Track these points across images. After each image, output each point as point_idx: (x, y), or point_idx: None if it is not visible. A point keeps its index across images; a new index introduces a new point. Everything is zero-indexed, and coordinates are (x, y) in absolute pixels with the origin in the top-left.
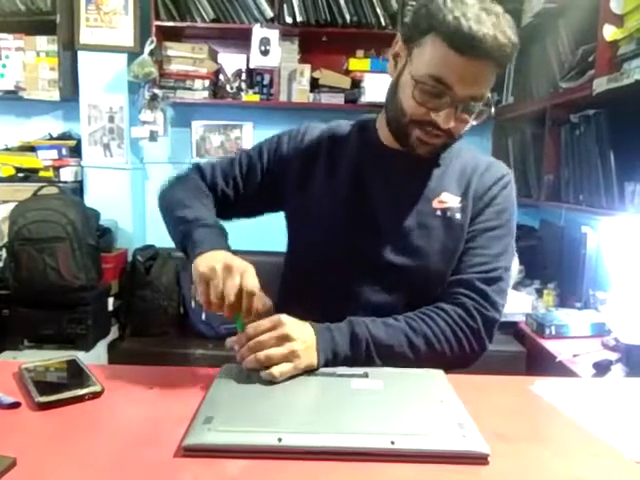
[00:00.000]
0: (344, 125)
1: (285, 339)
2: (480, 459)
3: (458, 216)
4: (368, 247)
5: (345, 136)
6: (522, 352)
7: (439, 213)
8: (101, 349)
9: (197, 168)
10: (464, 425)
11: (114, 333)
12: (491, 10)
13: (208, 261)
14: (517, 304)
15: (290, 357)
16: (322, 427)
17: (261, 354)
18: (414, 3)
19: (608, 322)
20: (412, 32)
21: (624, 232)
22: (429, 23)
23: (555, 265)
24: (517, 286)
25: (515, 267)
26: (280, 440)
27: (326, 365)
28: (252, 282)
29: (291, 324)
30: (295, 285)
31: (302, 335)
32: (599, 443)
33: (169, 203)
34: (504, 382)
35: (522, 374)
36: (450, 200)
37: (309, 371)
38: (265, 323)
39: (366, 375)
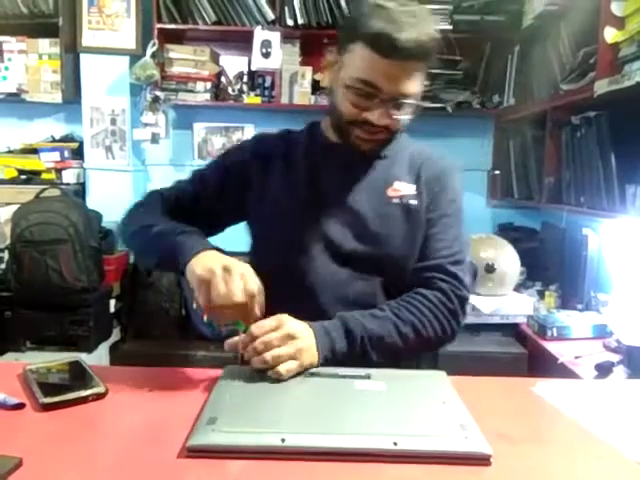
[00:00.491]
0: (296, 130)
1: (290, 338)
2: (482, 460)
3: (414, 202)
4: (331, 241)
5: (297, 138)
6: (524, 354)
7: (396, 201)
8: (103, 351)
9: (153, 193)
10: (466, 426)
11: (116, 335)
12: (409, 11)
13: (205, 263)
14: (518, 306)
15: (296, 355)
16: (325, 428)
17: (268, 355)
18: None
19: (610, 324)
20: (342, 42)
21: (625, 234)
22: (354, 31)
23: (556, 267)
24: (518, 288)
25: (516, 268)
26: (283, 441)
27: (325, 363)
28: (253, 283)
29: (293, 323)
30: (264, 285)
31: (305, 333)
32: (601, 444)
33: (136, 228)
34: (506, 383)
35: (524, 376)
36: (404, 188)
37: (311, 372)
38: (269, 322)
39: (368, 376)
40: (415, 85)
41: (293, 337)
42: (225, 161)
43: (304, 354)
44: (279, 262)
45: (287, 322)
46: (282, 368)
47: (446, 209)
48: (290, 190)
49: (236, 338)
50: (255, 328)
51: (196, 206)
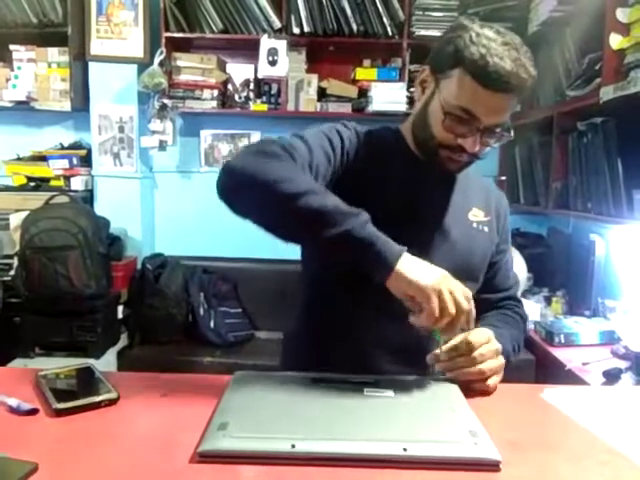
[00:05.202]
0: (382, 133)
1: (497, 353)
2: (492, 466)
3: (486, 229)
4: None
5: (387, 148)
6: (531, 360)
7: (475, 225)
8: (110, 357)
9: (283, 148)
10: (476, 432)
11: (123, 341)
12: (512, 44)
13: (428, 272)
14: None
15: (500, 370)
16: (335, 434)
17: (485, 367)
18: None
19: (618, 330)
20: (440, 64)
21: (632, 240)
22: (457, 58)
23: (563, 273)
24: (525, 294)
25: (523, 274)
26: (294, 446)
27: None
28: (463, 289)
29: (494, 338)
30: (342, 305)
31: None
32: (609, 451)
33: (294, 187)
34: (514, 390)
35: (531, 382)
36: (479, 214)
37: (319, 378)
38: (483, 336)
39: (377, 383)
40: (508, 116)
41: (499, 353)
42: (341, 141)
43: (502, 369)
44: (364, 282)
45: (493, 337)
46: (491, 382)
47: (508, 240)
48: (386, 199)
49: (437, 350)
50: (475, 338)
51: (325, 180)
